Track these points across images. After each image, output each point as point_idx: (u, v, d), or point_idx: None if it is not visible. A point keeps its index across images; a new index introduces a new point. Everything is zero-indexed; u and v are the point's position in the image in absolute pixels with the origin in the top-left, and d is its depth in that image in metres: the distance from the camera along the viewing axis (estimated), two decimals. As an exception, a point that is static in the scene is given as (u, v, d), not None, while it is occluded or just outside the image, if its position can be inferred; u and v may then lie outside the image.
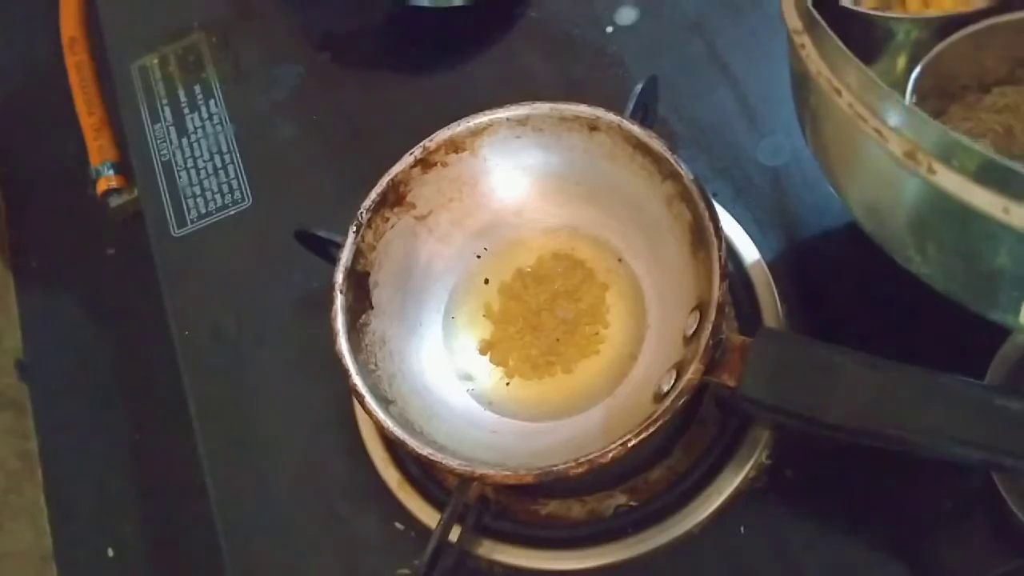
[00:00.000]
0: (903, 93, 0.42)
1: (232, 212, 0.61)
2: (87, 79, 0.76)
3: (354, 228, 0.48)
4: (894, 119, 0.34)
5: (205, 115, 0.65)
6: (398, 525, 0.49)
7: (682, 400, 0.40)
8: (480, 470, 0.41)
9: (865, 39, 0.45)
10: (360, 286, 0.47)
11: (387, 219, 0.49)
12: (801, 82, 0.41)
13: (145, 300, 0.66)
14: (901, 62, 0.45)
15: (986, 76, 0.44)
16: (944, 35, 0.43)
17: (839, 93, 0.36)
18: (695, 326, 0.43)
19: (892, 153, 0.34)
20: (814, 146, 0.43)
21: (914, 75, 0.42)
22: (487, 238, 0.51)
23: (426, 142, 0.49)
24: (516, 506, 0.48)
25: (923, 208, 0.36)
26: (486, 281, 0.51)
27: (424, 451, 0.42)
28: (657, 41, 0.61)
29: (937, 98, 0.44)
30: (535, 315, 0.49)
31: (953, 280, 0.37)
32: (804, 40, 0.39)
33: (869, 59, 0.45)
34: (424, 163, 0.49)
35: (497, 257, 0.51)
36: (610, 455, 0.39)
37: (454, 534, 0.46)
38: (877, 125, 0.35)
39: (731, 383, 0.40)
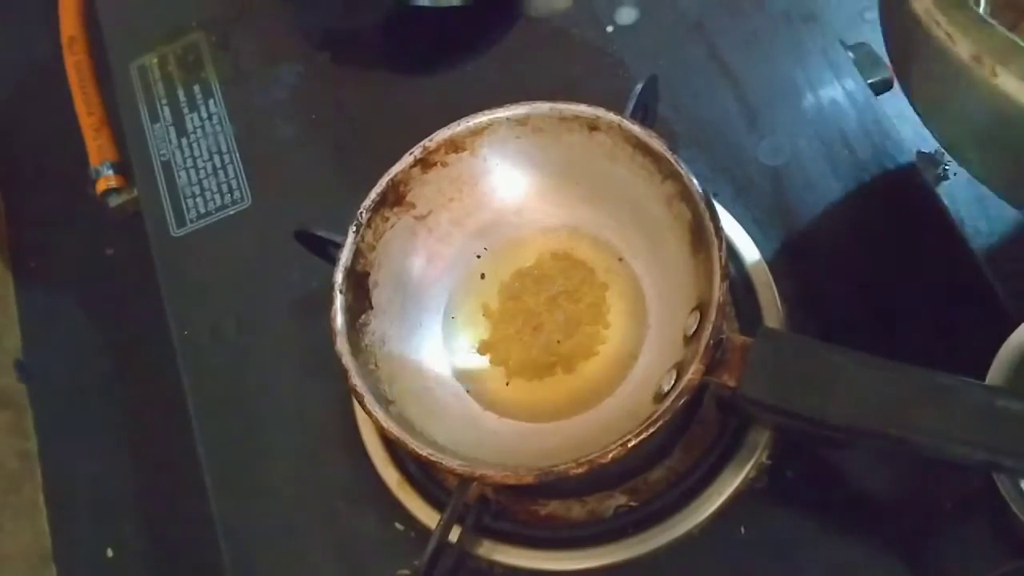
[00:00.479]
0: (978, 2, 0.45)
1: (232, 212, 0.61)
2: (86, 79, 0.76)
3: (354, 228, 0.48)
4: (964, 24, 0.37)
5: (204, 115, 0.65)
6: (398, 525, 0.49)
7: (682, 400, 0.40)
8: (480, 470, 0.41)
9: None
10: (360, 286, 0.47)
11: (387, 219, 0.49)
12: None
13: (145, 300, 0.65)
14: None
15: None
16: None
17: None
18: (695, 326, 0.43)
19: (959, 56, 0.37)
20: (892, 51, 0.46)
21: None
22: (487, 238, 0.51)
23: (426, 142, 0.49)
24: (516, 506, 0.48)
25: (986, 110, 0.38)
26: (482, 276, 0.51)
27: (424, 451, 0.42)
28: (657, 41, 0.61)
29: (1013, 12, 0.46)
30: (535, 315, 0.49)
31: (1009, 180, 0.40)
32: None
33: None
34: (424, 163, 0.49)
35: (497, 257, 0.51)
36: (610, 455, 0.39)
37: (454, 534, 0.46)
38: (949, 29, 0.37)
39: (731, 383, 0.40)
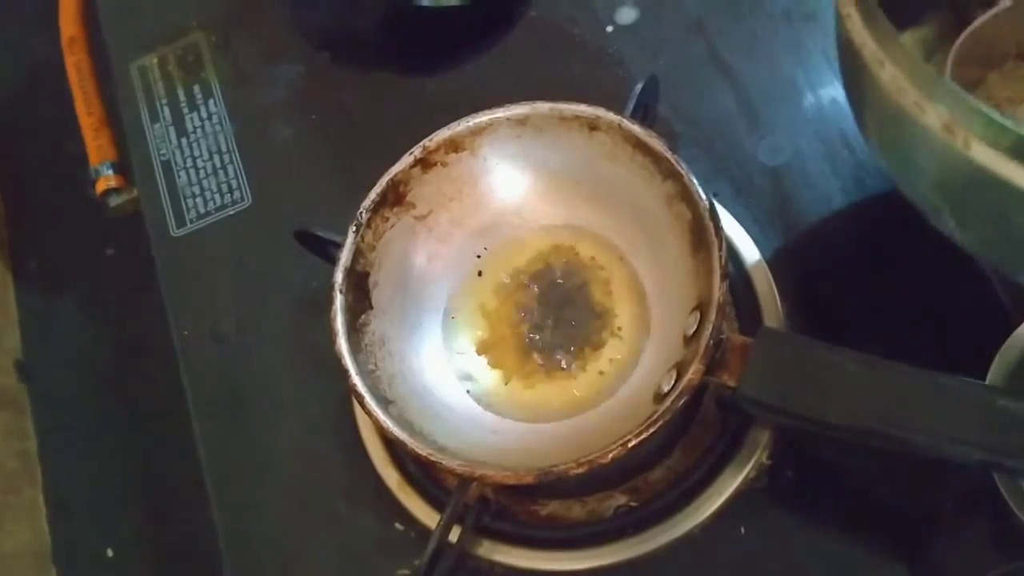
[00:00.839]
0: (948, 51, 0.44)
1: (232, 212, 0.61)
2: (87, 79, 0.76)
3: (354, 228, 0.48)
4: (933, 94, 0.36)
5: (204, 115, 0.65)
6: (398, 525, 0.49)
7: (682, 400, 0.40)
8: (480, 470, 0.41)
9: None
10: (360, 286, 0.47)
11: (387, 219, 0.49)
12: (847, 51, 0.42)
13: (145, 300, 0.66)
14: (950, 20, 0.47)
15: None
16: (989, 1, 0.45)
17: (882, 65, 0.38)
18: (695, 326, 0.43)
19: (931, 126, 0.36)
20: (857, 111, 0.44)
21: (956, 45, 0.43)
22: (487, 238, 0.51)
23: (426, 142, 0.49)
24: (516, 506, 0.48)
25: (960, 178, 0.37)
26: (480, 275, 0.51)
27: (424, 451, 0.42)
28: (657, 41, 0.61)
29: (977, 65, 0.45)
30: (535, 315, 0.49)
31: (986, 245, 0.39)
32: (850, 11, 0.39)
33: (920, 17, 0.47)
34: (424, 163, 0.49)
35: (497, 257, 0.51)
36: (610, 455, 0.39)
37: (454, 534, 0.46)
38: (917, 98, 0.36)
39: (731, 383, 0.40)
